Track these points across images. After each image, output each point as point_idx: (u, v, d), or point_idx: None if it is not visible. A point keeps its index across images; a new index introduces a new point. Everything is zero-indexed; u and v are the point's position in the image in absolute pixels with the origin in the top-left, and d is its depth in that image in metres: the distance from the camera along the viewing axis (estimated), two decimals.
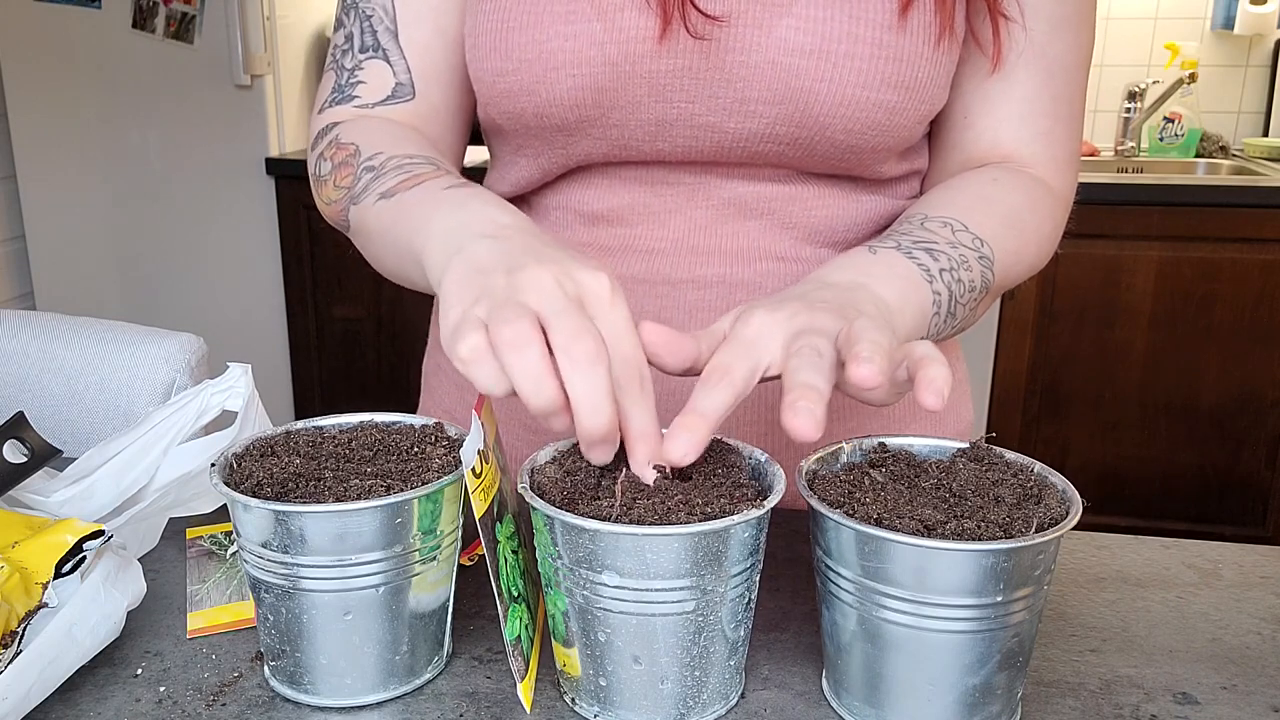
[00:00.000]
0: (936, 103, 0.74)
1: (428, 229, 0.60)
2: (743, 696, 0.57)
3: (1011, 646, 0.52)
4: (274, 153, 2.56)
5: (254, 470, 0.56)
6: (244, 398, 0.72)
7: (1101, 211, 2.27)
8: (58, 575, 0.58)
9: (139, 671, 0.59)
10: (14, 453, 0.70)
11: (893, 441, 0.60)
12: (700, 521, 0.50)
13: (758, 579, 0.54)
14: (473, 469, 0.51)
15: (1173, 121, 2.73)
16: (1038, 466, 0.56)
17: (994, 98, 0.76)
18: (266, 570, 0.54)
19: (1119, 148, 2.78)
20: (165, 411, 0.73)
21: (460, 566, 0.59)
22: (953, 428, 0.86)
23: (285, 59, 2.57)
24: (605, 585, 0.50)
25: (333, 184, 0.74)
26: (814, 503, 0.52)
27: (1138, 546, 0.74)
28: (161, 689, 0.58)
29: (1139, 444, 2.42)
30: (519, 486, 0.54)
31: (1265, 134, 2.81)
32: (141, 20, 2.51)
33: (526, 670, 0.55)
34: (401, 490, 0.53)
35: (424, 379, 0.93)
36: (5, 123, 2.67)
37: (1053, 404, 2.44)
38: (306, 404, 2.73)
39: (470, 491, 0.51)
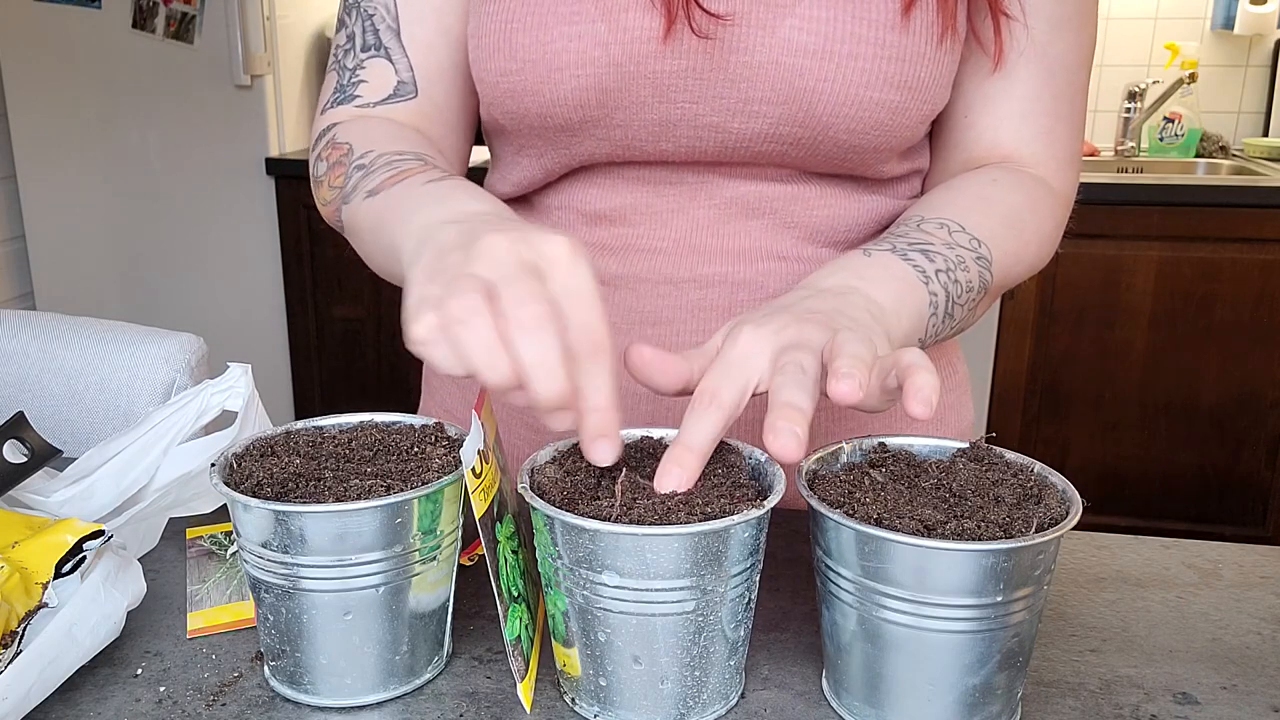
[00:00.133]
0: (939, 102, 0.74)
1: (406, 226, 0.60)
2: (743, 696, 0.57)
3: (1011, 646, 0.52)
4: (274, 153, 2.56)
5: (254, 470, 0.56)
6: (244, 398, 0.72)
7: (1101, 211, 2.27)
8: (58, 575, 0.58)
9: (139, 671, 0.59)
10: (14, 453, 0.70)
11: (893, 441, 0.60)
12: (700, 521, 0.50)
13: (758, 579, 0.54)
14: (473, 469, 0.51)
15: (1173, 121, 2.73)
16: (1038, 466, 0.56)
17: (994, 97, 0.76)
18: (266, 570, 0.54)
19: (1119, 148, 2.78)
20: (165, 411, 0.73)
21: (460, 566, 0.59)
22: (953, 428, 0.86)
23: (285, 59, 2.57)
24: (605, 585, 0.50)
25: (328, 184, 0.74)
26: (814, 503, 0.52)
27: (1138, 546, 0.74)
28: (161, 689, 0.58)
29: (1139, 444, 2.42)
30: (519, 486, 0.54)
31: (1265, 134, 2.81)
32: (141, 20, 2.51)
33: (526, 670, 0.55)
34: (401, 490, 0.53)
35: (424, 379, 0.93)
36: (5, 123, 2.67)
37: (1053, 404, 2.44)
38: (306, 404, 2.73)
39: (470, 491, 0.51)
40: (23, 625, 0.56)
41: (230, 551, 0.72)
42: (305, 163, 0.80)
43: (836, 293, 0.61)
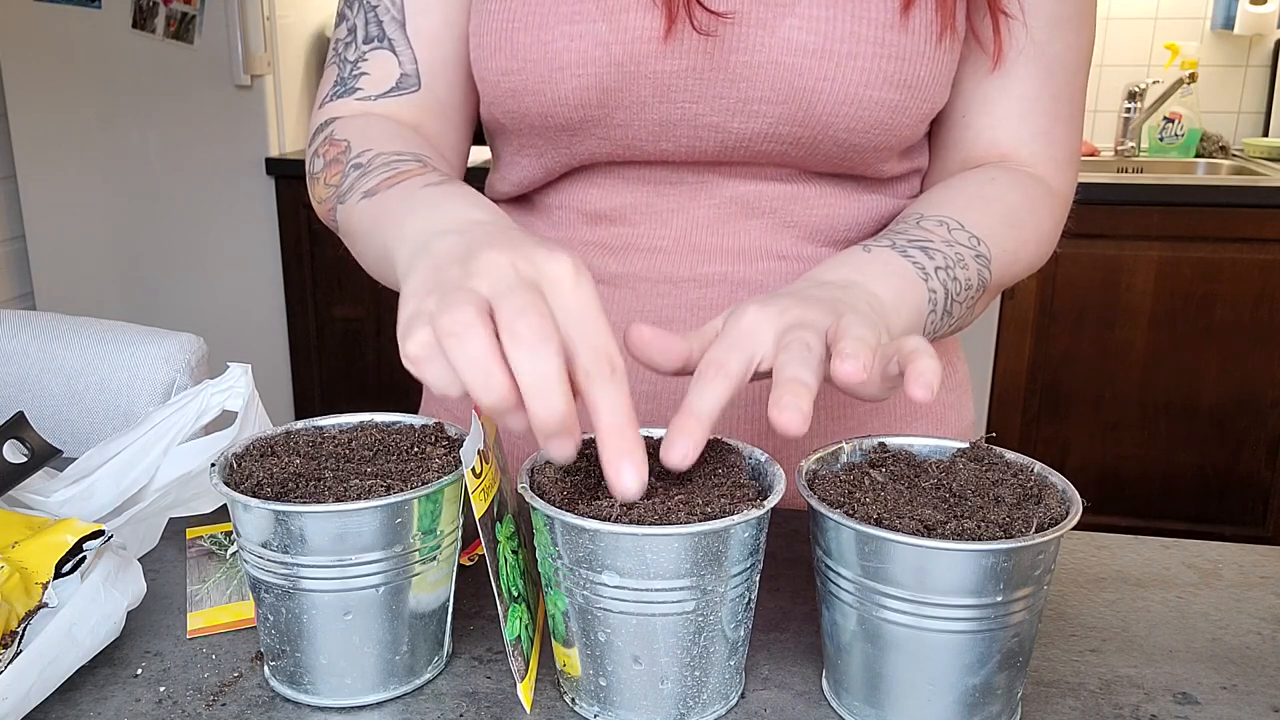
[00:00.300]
0: (938, 101, 0.74)
1: (401, 231, 0.58)
2: (743, 696, 0.57)
3: (1011, 646, 0.52)
4: (274, 153, 2.56)
5: (254, 470, 0.56)
6: (244, 398, 0.72)
7: (1101, 211, 2.27)
8: (58, 575, 0.58)
9: (139, 671, 0.59)
10: (14, 453, 0.70)
11: (893, 441, 0.60)
12: (700, 521, 0.50)
13: (758, 579, 0.54)
14: (473, 469, 0.51)
15: (1173, 121, 2.73)
16: (1038, 466, 0.56)
17: (993, 96, 0.76)
18: (266, 570, 0.54)
19: (1119, 148, 2.78)
20: (165, 411, 0.73)
21: (460, 566, 0.59)
22: (953, 427, 0.86)
23: (285, 59, 2.57)
24: (605, 585, 0.50)
25: (323, 181, 0.73)
26: (814, 503, 0.52)
27: (1138, 546, 0.74)
28: (161, 689, 0.58)
29: (1139, 444, 2.42)
30: (519, 486, 0.54)
31: (1265, 134, 2.81)
32: (141, 20, 2.51)
33: (526, 670, 0.55)
34: (401, 490, 0.53)
35: None
36: (5, 123, 2.67)
37: (1053, 404, 2.44)
38: (306, 404, 2.73)
39: (470, 491, 0.51)
40: (23, 625, 0.56)
41: (230, 551, 0.72)
42: (304, 162, 0.80)
43: (838, 285, 0.61)
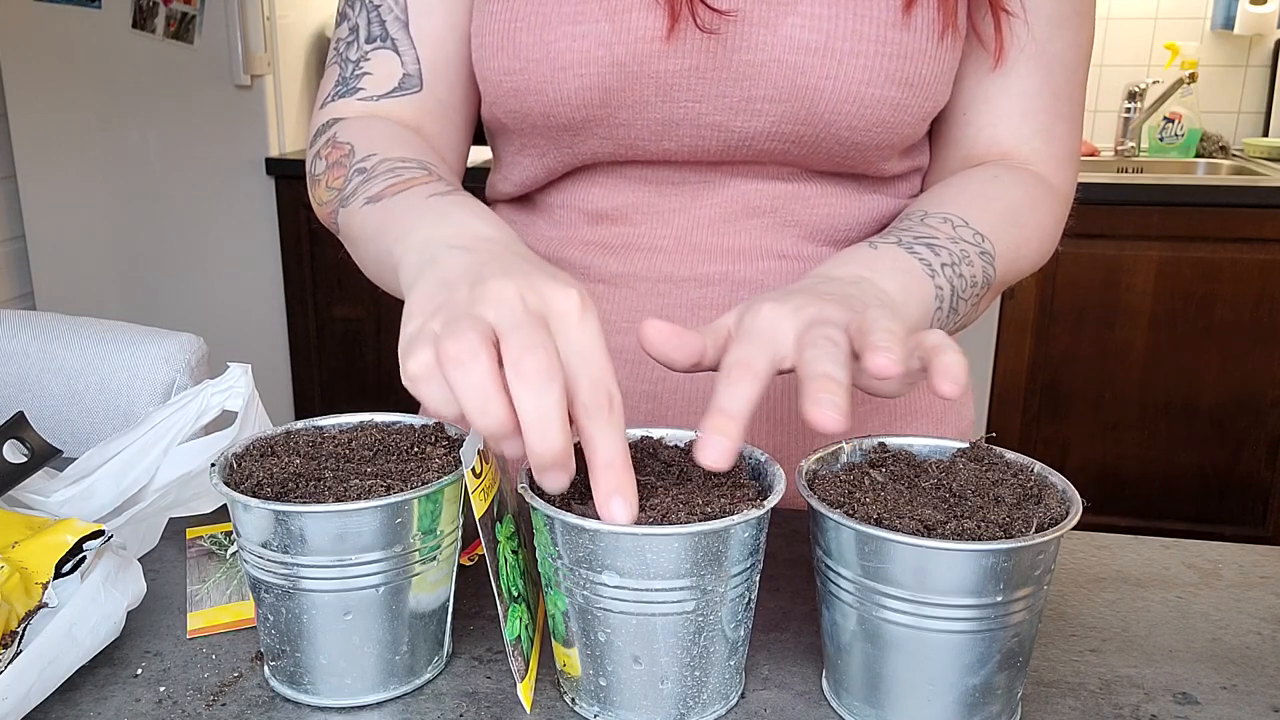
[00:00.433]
0: (940, 99, 0.74)
1: (406, 240, 0.58)
2: (743, 696, 0.57)
3: (1011, 646, 0.52)
4: (274, 153, 2.56)
5: (254, 470, 0.56)
6: (244, 398, 0.72)
7: (1101, 211, 2.27)
8: (58, 575, 0.58)
9: (139, 671, 0.59)
10: (14, 453, 0.70)
11: (893, 441, 0.60)
12: (700, 521, 0.50)
13: (758, 579, 0.54)
14: (473, 469, 0.51)
15: (1173, 121, 2.73)
16: (1038, 466, 0.56)
17: (994, 94, 0.76)
18: (266, 570, 0.54)
19: (1119, 148, 2.78)
20: (165, 411, 0.73)
21: (460, 566, 0.59)
22: (953, 427, 0.86)
23: (285, 59, 2.57)
24: (605, 585, 0.50)
25: (325, 184, 0.73)
26: (814, 503, 0.52)
27: (1138, 546, 0.74)
28: (161, 689, 0.58)
29: (1139, 444, 2.42)
30: (519, 486, 0.54)
31: (1265, 134, 2.81)
32: (141, 20, 2.51)
33: (526, 670, 0.55)
34: (401, 490, 0.53)
35: None
36: (5, 123, 2.67)
37: (1053, 404, 2.44)
38: (306, 404, 2.73)
39: (470, 491, 0.51)
40: (23, 625, 0.56)
41: (230, 551, 0.72)
42: (304, 162, 0.80)
43: (848, 281, 0.61)
